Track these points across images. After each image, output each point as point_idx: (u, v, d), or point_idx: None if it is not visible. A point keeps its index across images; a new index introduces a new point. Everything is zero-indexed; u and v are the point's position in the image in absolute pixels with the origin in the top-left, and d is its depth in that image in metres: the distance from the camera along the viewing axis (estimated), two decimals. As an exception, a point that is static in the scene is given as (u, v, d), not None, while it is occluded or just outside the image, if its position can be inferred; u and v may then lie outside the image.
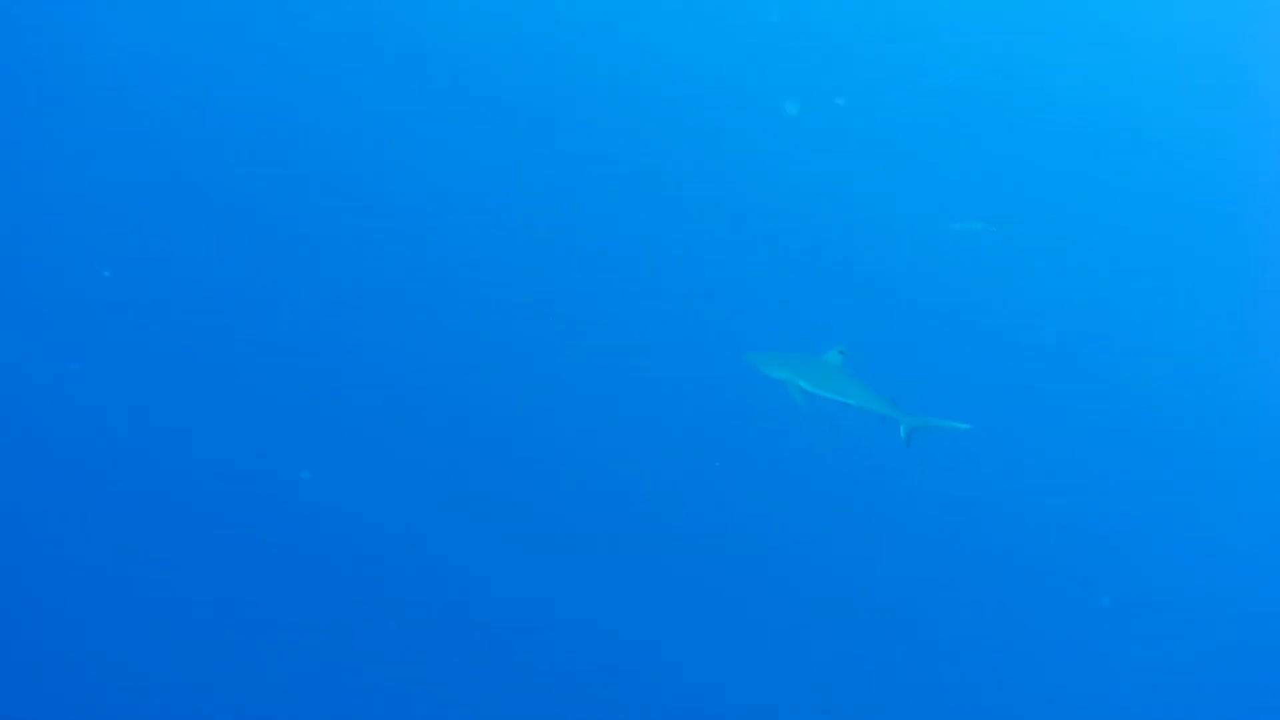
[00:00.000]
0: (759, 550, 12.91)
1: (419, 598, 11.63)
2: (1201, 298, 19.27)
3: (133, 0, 18.35)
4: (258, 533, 11.87)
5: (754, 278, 16.74)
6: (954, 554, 13.55)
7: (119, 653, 10.72)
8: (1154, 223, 20.79)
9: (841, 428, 12.64)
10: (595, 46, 21.15)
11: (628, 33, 21.83)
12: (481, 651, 11.42)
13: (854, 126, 21.15)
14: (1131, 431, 16.21)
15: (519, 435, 13.43)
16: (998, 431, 14.22)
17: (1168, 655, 13.27)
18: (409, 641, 11.35)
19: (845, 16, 24.25)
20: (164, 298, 14.12)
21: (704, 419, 14.01)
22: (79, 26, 17.76)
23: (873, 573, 12.97)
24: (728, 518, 13.13)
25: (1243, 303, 19.44)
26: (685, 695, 11.58)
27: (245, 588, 11.39)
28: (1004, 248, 18.36)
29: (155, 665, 10.71)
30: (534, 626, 11.74)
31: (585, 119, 19.45)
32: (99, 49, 17.51)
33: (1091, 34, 25.55)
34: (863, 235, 18.38)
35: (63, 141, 15.80)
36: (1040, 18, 25.54)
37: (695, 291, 16.19)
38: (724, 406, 13.92)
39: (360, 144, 17.40)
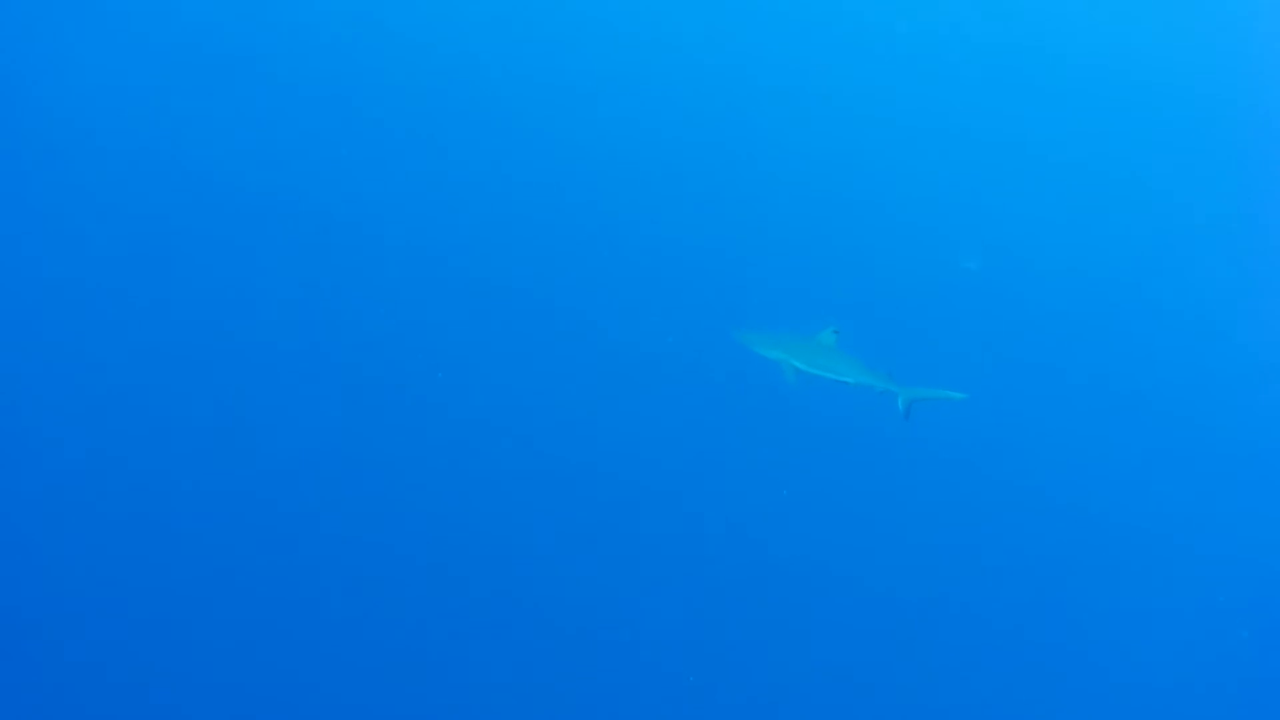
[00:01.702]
0: (751, 536, 12.92)
1: (405, 601, 11.59)
2: (1197, 273, 19.27)
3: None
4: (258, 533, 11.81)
5: (747, 257, 16.71)
6: (949, 530, 13.59)
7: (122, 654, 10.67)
8: (1151, 200, 20.79)
9: (837, 406, 12.61)
10: (581, 31, 20.95)
11: (612, 21, 21.63)
12: (472, 647, 11.40)
13: (847, 108, 21.08)
14: (1130, 405, 16.27)
15: (508, 413, 13.38)
16: (993, 402, 14.23)
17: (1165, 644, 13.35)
18: (401, 642, 11.34)
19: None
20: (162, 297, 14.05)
21: (697, 399, 14.00)
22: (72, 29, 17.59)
23: (866, 556, 13.01)
24: (721, 502, 13.15)
25: (1237, 267, 19.51)
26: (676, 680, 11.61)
27: (240, 590, 11.33)
28: (1000, 228, 18.41)
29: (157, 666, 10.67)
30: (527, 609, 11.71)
31: (575, 101, 19.34)
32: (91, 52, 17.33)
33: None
34: (856, 214, 18.35)
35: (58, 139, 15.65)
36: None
37: (688, 271, 16.15)
38: (717, 386, 13.90)
39: (353, 145, 17.31)
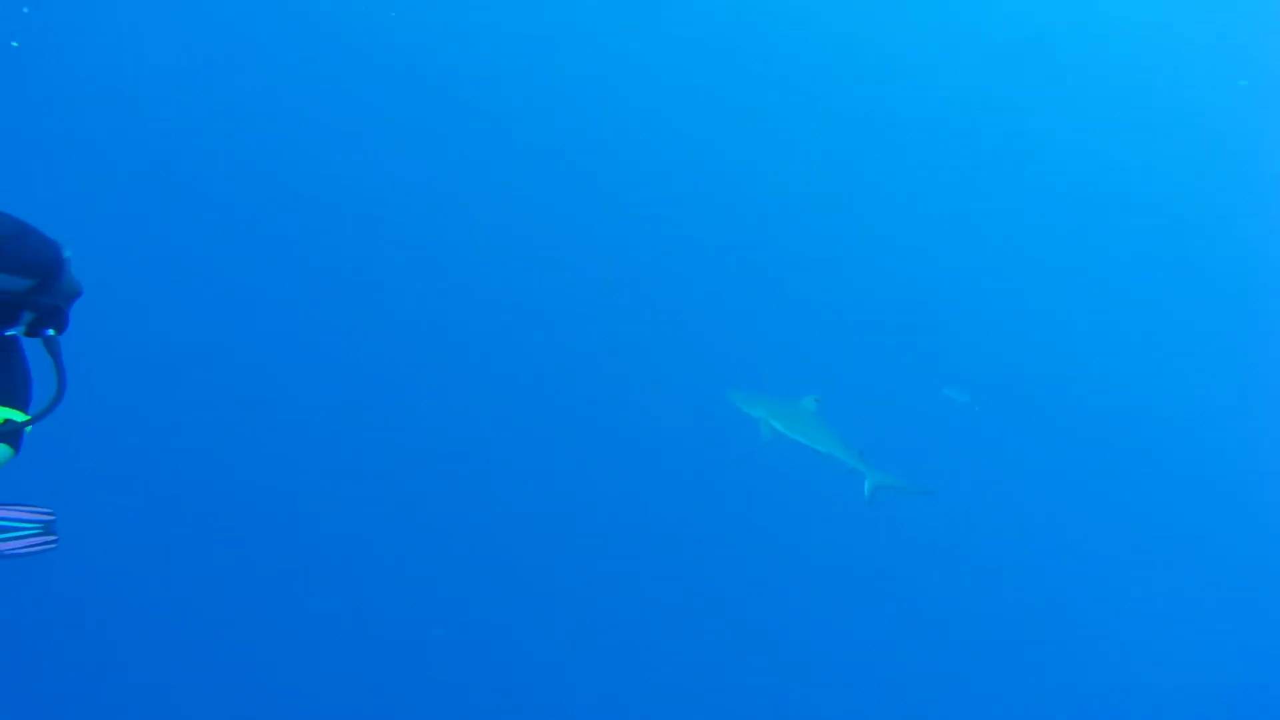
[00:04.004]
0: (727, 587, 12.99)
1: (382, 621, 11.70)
2: (1185, 372, 19.21)
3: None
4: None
5: (749, 318, 16.86)
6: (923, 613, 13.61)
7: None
8: (1144, 290, 20.75)
9: (805, 471, 12.69)
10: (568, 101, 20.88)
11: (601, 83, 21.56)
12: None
13: (860, 174, 21.19)
14: (1115, 501, 16.22)
15: (502, 461, 13.52)
16: (966, 496, 14.22)
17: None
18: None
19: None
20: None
21: (685, 451, 14.16)
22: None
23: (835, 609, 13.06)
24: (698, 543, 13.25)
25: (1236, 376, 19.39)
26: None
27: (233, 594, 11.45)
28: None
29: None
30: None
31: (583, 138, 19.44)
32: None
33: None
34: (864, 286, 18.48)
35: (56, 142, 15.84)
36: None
37: (694, 331, 16.32)
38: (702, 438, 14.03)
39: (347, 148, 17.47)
